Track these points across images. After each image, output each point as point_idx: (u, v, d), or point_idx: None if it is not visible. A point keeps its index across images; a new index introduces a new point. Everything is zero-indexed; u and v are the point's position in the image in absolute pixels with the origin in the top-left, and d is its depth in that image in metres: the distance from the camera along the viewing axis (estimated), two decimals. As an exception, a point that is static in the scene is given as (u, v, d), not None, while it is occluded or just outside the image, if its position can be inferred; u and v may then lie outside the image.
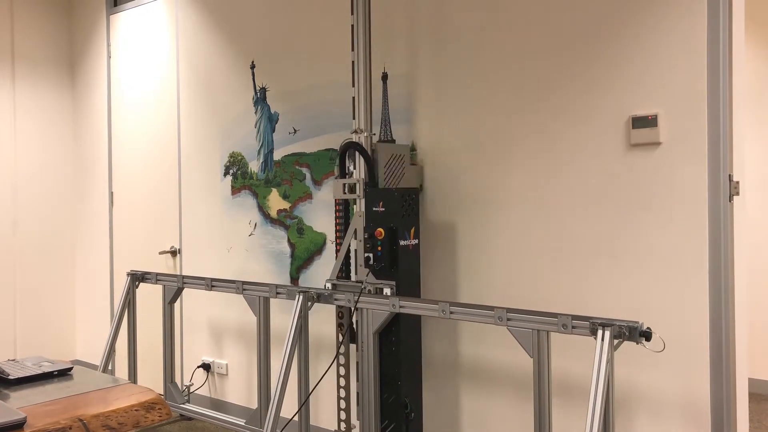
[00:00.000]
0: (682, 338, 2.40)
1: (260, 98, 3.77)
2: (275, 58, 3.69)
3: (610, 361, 2.07)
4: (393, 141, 3.16)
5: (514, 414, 2.84)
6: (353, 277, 2.99)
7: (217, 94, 4.00)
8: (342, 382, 3.01)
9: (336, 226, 3.02)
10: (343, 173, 2.93)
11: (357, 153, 2.90)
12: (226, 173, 3.96)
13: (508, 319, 2.33)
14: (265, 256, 3.76)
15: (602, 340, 2.09)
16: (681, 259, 2.40)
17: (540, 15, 2.73)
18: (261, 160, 3.77)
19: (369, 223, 2.80)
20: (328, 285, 2.93)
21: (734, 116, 2.36)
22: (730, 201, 2.33)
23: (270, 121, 3.73)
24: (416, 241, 2.80)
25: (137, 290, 3.98)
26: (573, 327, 2.19)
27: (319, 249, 3.50)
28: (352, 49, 2.88)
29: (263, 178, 3.77)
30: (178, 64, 4.22)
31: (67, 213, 5.02)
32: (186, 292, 4.20)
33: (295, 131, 3.60)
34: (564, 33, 2.67)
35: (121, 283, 4.65)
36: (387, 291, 2.72)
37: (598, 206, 2.59)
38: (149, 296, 4.38)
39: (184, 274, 4.21)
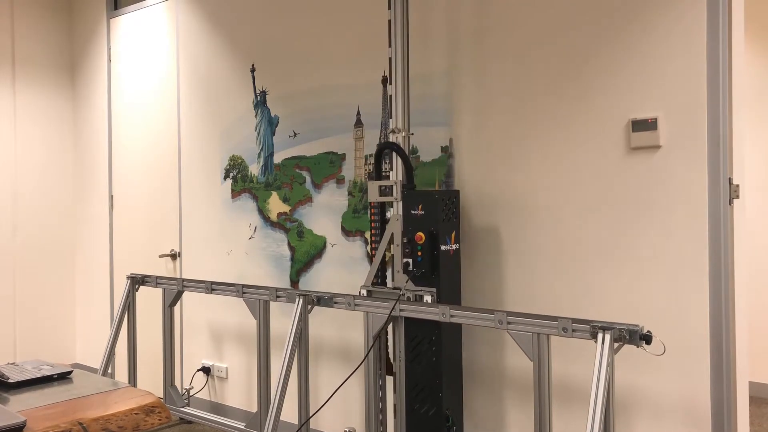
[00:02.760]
0: (682, 341, 2.40)
1: (260, 101, 3.78)
2: (275, 61, 3.70)
3: (611, 365, 2.07)
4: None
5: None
6: (389, 284, 2.87)
7: (218, 98, 4.00)
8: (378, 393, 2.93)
9: (371, 230, 2.89)
10: (379, 174, 2.83)
11: (394, 154, 2.79)
12: (226, 176, 3.96)
13: (509, 323, 2.33)
14: (265, 260, 3.76)
15: (602, 343, 2.09)
16: (681, 262, 2.40)
17: (538, 19, 2.73)
18: (261, 164, 3.77)
19: (407, 227, 2.69)
20: (363, 291, 2.80)
21: (734, 119, 2.35)
22: (730, 204, 2.33)
23: (270, 124, 3.73)
24: (457, 245, 2.70)
25: (137, 293, 3.98)
26: (573, 330, 2.18)
27: (319, 252, 3.50)
28: (390, 46, 2.79)
29: (263, 182, 3.77)
30: (178, 67, 4.22)
31: (67, 216, 5.02)
32: (186, 295, 4.20)
33: (296, 134, 3.60)
34: (563, 37, 2.67)
35: (121, 286, 4.65)
36: (428, 298, 2.60)
37: (598, 209, 2.59)
38: (149, 299, 4.38)
39: (184, 277, 4.20)
